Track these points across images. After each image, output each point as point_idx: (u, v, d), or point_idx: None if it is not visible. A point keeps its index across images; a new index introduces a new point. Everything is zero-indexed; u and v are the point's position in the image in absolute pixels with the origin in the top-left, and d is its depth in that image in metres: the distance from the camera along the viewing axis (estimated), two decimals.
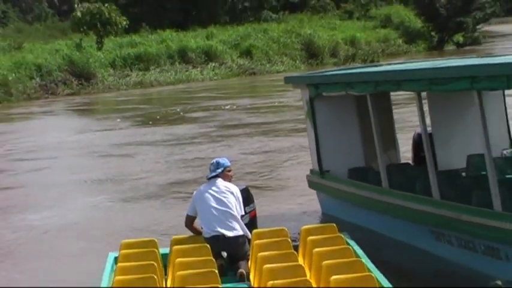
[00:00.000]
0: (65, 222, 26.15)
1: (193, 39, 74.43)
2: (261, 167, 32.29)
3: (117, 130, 46.67)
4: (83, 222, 25.88)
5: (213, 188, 16.61)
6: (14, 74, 60.35)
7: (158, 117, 51.00)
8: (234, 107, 50.89)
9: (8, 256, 22.92)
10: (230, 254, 16.10)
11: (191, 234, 17.02)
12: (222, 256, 15.96)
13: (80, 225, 25.43)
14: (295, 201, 24.92)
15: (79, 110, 56.52)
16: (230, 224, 16.29)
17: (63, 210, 29.13)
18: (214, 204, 16.38)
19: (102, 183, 33.17)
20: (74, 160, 38.15)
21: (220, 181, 16.71)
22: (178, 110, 54.04)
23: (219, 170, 16.90)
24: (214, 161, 17.28)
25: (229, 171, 17.18)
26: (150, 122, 49.41)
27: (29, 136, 47.63)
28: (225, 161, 17.24)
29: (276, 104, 49.34)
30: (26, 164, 38.59)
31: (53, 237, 24.30)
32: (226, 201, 16.45)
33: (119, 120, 50.82)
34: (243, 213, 16.88)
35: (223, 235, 16.08)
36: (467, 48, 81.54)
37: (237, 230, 16.30)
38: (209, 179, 16.90)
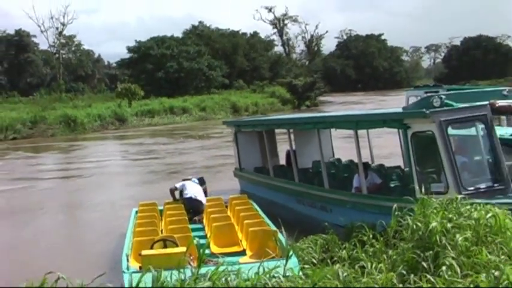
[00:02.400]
0: (124, 194, 25.47)
1: (176, 102, 73.88)
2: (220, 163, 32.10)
3: (179, 143, 46.02)
4: (132, 192, 25.21)
5: (192, 181, 17.40)
6: (86, 119, 59.82)
7: (198, 136, 50.38)
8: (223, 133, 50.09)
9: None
10: (194, 210, 16.51)
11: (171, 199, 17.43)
12: (190, 212, 16.36)
13: (131, 194, 24.68)
14: (227, 183, 24.87)
15: (137, 136, 55.08)
16: (199, 195, 16.77)
17: (131, 181, 28.84)
18: (193, 187, 17.01)
19: (160, 168, 32.67)
20: (152, 161, 36.59)
21: (195, 180, 17.57)
22: (201, 133, 53.06)
23: (195, 179, 17.79)
24: (194, 178, 18.16)
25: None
26: (197, 138, 49.34)
27: (103, 146, 46.78)
28: (197, 178, 18.19)
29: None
30: (111, 162, 37.31)
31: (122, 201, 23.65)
32: (198, 186, 17.16)
33: (181, 138, 49.86)
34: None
35: (196, 198, 16.60)
36: (312, 108, 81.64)
37: (202, 199, 16.76)
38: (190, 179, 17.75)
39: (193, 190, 16.94)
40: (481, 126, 13.48)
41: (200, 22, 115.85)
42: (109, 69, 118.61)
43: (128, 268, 11.01)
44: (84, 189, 27.53)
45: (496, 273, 6.58)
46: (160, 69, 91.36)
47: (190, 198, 16.67)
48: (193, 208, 16.55)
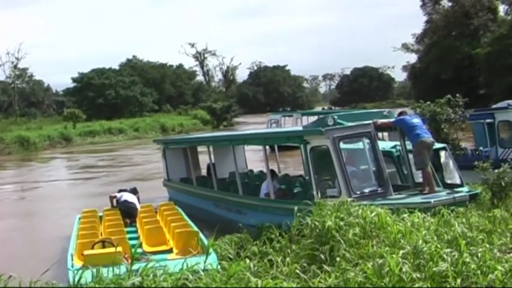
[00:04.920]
0: (69, 203, 24.32)
1: (114, 124, 72.28)
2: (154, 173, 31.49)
3: (154, 154, 44.77)
4: (78, 202, 23.91)
5: (127, 191, 17.06)
6: (38, 139, 58.29)
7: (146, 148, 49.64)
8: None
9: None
10: (129, 212, 16.15)
11: (110, 206, 17.05)
12: (125, 216, 16.03)
13: (78, 203, 23.13)
14: (157, 192, 24.24)
15: (91, 151, 53.53)
16: (133, 201, 16.39)
17: (73, 191, 28.23)
18: (128, 194, 16.62)
19: (100, 180, 31.57)
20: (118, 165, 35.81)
21: (130, 191, 17.19)
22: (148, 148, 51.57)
23: (129, 189, 17.54)
24: (128, 187, 17.97)
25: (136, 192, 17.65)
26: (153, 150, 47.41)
27: (52, 162, 44.28)
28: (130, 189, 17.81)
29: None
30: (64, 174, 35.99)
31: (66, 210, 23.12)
32: (132, 195, 16.71)
33: (156, 149, 48.31)
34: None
35: (131, 203, 16.24)
36: (229, 127, 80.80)
37: (135, 204, 16.42)
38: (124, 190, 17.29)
39: (128, 197, 16.62)
40: (366, 141, 13.70)
41: (134, 56, 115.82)
42: (57, 96, 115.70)
43: (72, 266, 10.79)
44: (35, 199, 26.67)
45: (380, 261, 6.67)
46: (100, 96, 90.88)
47: (126, 201, 16.36)
48: (129, 210, 16.18)
